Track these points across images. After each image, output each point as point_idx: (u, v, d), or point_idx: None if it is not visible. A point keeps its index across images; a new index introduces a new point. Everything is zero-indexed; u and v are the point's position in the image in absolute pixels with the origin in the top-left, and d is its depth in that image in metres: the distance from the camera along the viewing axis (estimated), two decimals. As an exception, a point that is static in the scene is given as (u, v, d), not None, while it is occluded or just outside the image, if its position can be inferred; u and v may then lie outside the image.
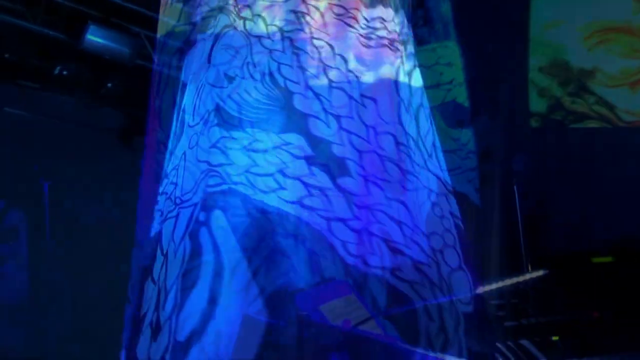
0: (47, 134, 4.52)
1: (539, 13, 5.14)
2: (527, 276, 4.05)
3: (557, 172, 4.78)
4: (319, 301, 3.06)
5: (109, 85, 4.57)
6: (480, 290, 3.53)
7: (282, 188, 3.20)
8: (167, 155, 3.47)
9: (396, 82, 3.57)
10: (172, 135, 3.48)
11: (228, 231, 3.14)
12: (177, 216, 3.26)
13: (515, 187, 4.07)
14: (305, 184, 3.21)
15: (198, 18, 3.48)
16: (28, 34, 4.37)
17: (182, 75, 3.47)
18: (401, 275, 3.20)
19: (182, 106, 3.47)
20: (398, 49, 3.62)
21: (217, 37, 3.41)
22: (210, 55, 3.39)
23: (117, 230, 4.00)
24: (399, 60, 3.62)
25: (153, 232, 3.39)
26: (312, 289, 3.15)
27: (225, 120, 3.29)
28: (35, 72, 4.58)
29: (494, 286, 3.81)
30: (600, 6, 4.93)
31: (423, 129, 3.60)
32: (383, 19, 3.60)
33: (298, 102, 3.34)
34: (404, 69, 3.64)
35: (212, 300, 3.03)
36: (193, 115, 3.38)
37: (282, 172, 3.23)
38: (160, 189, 3.45)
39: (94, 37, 4.33)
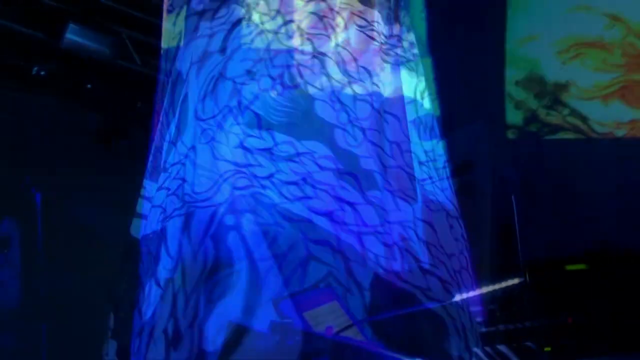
0: (27, 136, 4.35)
1: (514, 29, 5.30)
2: (504, 284, 4.17)
3: (532, 182, 4.96)
4: (303, 308, 3.01)
5: (89, 85, 4.47)
6: (460, 297, 3.65)
7: (308, 197, 3.11)
8: (165, 148, 3.28)
9: (415, 102, 3.55)
10: (169, 126, 3.28)
11: (259, 237, 3.03)
12: (188, 215, 3.09)
13: (512, 196, 4.20)
14: (335, 198, 3.13)
15: (200, 6, 3.30)
16: (4, 32, 4.16)
17: (177, 62, 3.28)
18: (431, 295, 3.19)
19: (184, 96, 3.27)
20: (413, 69, 3.60)
21: (231, 29, 3.24)
22: (224, 46, 3.22)
23: (109, 234, 3.90)
24: (415, 80, 3.59)
25: (149, 230, 3.20)
26: (296, 295, 3.07)
27: (249, 119, 3.15)
28: (11, 72, 4.37)
29: (471, 294, 3.92)
30: (573, 22, 5.03)
31: (436, 151, 3.60)
32: (400, 37, 3.57)
33: (321, 110, 3.23)
34: (419, 89, 3.62)
35: (248, 310, 2.92)
36: (203, 108, 3.20)
37: (307, 181, 3.13)
38: (157, 184, 3.26)
39: (74, 37, 4.20)
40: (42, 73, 4.37)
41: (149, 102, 4.71)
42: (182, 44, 3.31)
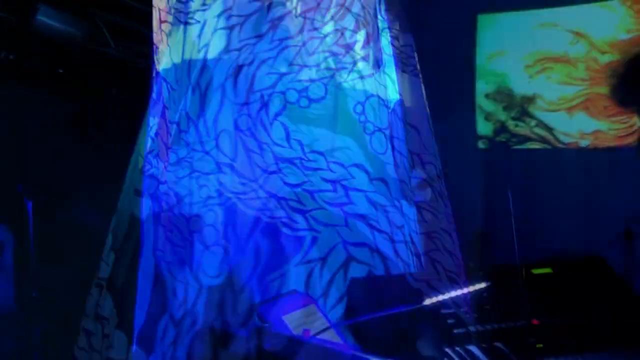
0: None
1: (484, 44, 5.67)
2: (473, 287, 4.36)
3: (502, 190, 5.25)
4: (282, 311, 2.97)
5: (60, 70, 4.34)
6: (432, 300, 3.81)
7: (343, 200, 3.11)
8: (176, 129, 3.14)
9: (426, 113, 3.57)
10: (183, 102, 3.18)
11: (308, 236, 3.03)
12: (228, 207, 2.99)
13: (509, 193, 4.41)
14: (369, 202, 3.15)
15: (230, 20, 3.26)
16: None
17: (207, 74, 3.18)
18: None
19: (209, 69, 3.18)
20: (421, 82, 3.59)
21: (266, 10, 3.20)
22: (252, 59, 3.18)
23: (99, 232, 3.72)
24: (424, 92, 3.60)
25: (160, 210, 3.04)
26: (275, 299, 3.05)
27: (293, 112, 3.12)
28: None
29: (445, 296, 4.09)
30: (540, 38, 5.26)
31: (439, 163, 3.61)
32: (413, 48, 3.58)
33: (353, 109, 3.22)
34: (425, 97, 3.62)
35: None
36: (235, 91, 3.14)
37: (341, 183, 3.13)
38: (163, 162, 3.12)
39: (45, 19, 4.05)
40: (11, 57, 4.22)
41: (124, 89, 4.76)
42: (211, 56, 3.26)
